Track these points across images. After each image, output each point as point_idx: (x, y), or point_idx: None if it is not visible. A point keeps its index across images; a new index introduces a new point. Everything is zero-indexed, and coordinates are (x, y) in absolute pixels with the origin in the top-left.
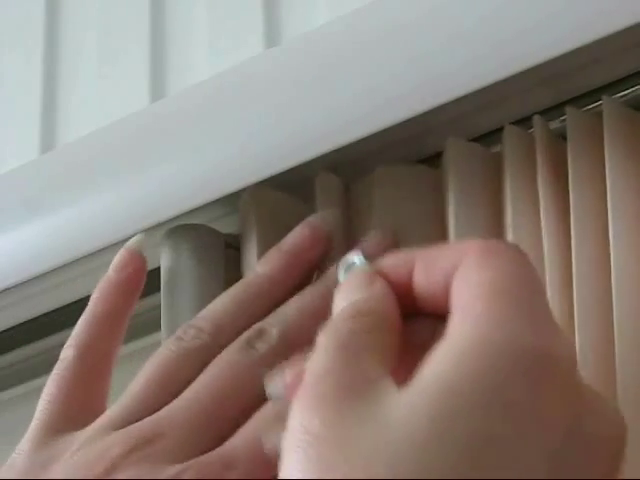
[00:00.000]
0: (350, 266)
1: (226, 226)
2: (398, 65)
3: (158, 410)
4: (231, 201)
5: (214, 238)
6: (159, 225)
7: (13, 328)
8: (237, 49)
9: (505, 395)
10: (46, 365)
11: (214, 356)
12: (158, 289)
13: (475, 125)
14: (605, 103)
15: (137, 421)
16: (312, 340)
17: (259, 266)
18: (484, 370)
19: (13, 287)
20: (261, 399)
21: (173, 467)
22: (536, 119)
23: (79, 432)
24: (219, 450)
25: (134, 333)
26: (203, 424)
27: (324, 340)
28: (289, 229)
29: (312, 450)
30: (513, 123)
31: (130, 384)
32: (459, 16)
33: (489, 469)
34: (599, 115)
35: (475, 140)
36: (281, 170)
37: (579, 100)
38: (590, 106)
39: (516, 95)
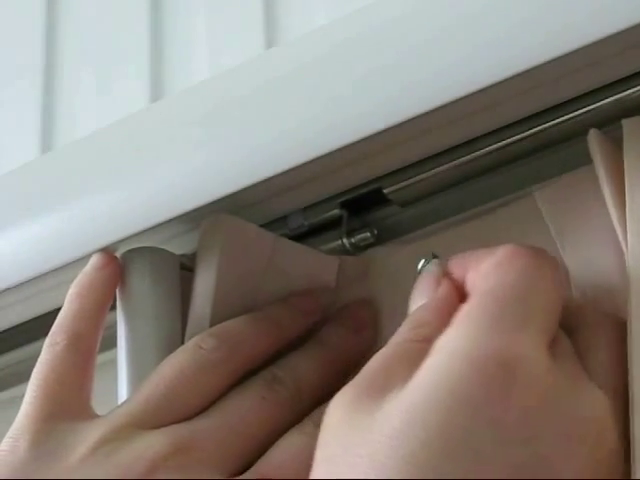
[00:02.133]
0: (423, 265)
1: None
2: (399, 64)
3: (186, 417)
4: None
5: (169, 260)
6: (110, 246)
7: (13, 328)
8: (237, 49)
9: (474, 400)
10: None
11: (234, 372)
12: (113, 307)
13: None
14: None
15: (165, 424)
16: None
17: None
18: (459, 380)
19: (13, 287)
20: (278, 436)
21: None
22: None
23: (86, 424)
24: (257, 468)
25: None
26: (234, 446)
27: (383, 349)
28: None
29: (328, 434)
30: None
31: (143, 383)
32: (461, 13)
33: (464, 458)
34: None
35: None
36: (257, 181)
37: None
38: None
39: None
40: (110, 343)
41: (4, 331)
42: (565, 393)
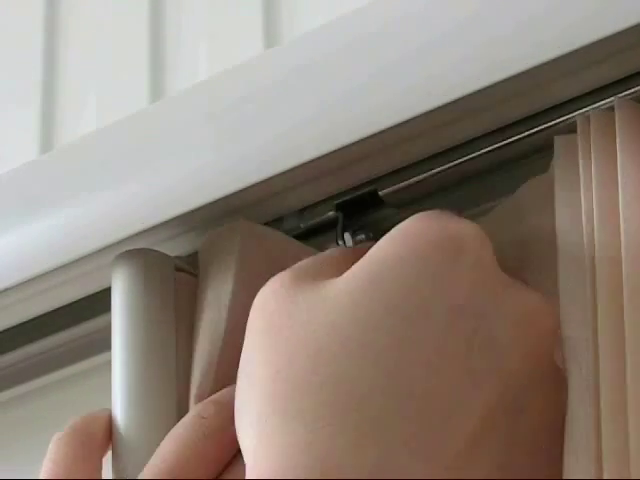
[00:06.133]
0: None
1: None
2: (400, 63)
3: None
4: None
5: (164, 262)
6: (110, 246)
7: (13, 328)
8: (237, 49)
9: (430, 269)
10: (46, 365)
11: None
12: (109, 309)
13: None
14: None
15: None
16: None
17: None
18: (400, 255)
19: (13, 287)
20: None
21: None
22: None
23: None
24: None
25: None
26: None
27: None
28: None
29: (264, 321)
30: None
31: (149, 461)
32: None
33: (400, 337)
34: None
35: None
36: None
37: None
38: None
39: None
40: (105, 345)
41: (4, 331)
42: (508, 281)
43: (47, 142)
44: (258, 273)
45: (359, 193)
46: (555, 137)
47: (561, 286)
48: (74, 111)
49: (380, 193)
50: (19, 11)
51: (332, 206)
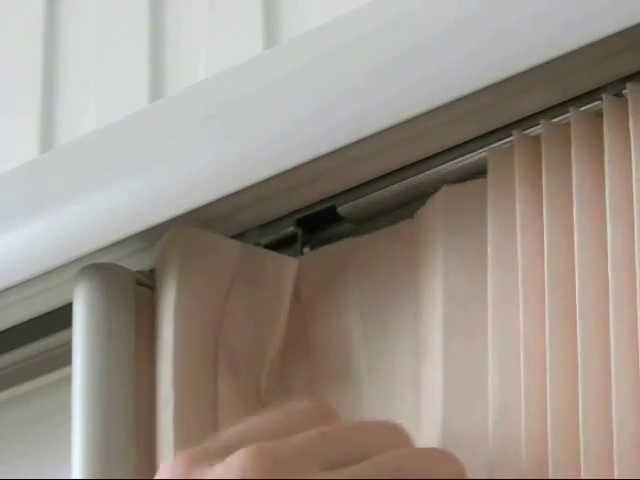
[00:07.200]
0: None
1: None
2: (400, 62)
3: None
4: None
5: (125, 276)
6: (72, 262)
7: (13, 328)
8: (237, 49)
9: None
10: (46, 365)
11: None
12: (70, 324)
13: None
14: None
15: None
16: None
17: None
18: None
19: (13, 287)
20: None
21: None
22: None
23: None
24: None
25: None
26: None
27: None
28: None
29: None
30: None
31: None
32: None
33: None
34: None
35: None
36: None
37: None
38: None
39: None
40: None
41: (4, 331)
42: None
43: (47, 142)
44: (200, 279)
45: (318, 209)
46: (489, 152)
47: (490, 287)
48: (74, 111)
49: (338, 209)
50: (19, 11)
51: (292, 221)
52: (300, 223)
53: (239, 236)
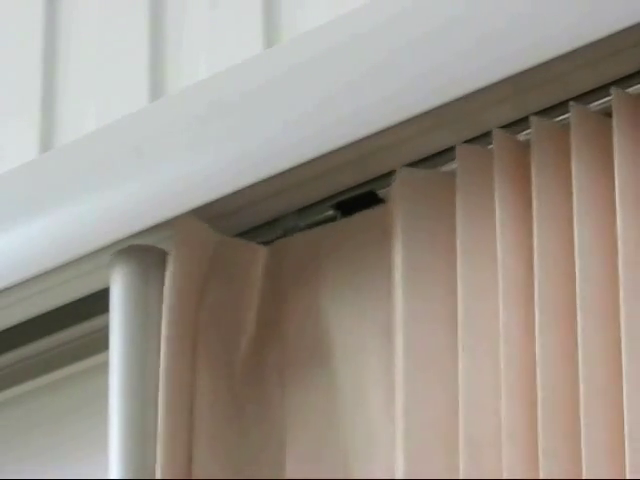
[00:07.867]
0: None
1: None
2: (400, 62)
3: None
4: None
5: (161, 258)
6: (107, 247)
7: (13, 328)
8: (237, 49)
9: None
10: (46, 365)
11: None
12: (106, 309)
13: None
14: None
15: None
16: None
17: None
18: None
19: (13, 287)
20: None
21: None
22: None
23: None
24: None
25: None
26: None
27: None
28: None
29: None
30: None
31: None
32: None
33: None
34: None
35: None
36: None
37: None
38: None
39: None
40: (103, 345)
41: (4, 331)
42: None
43: (47, 142)
44: (191, 272)
45: (357, 193)
46: (457, 147)
47: (460, 278)
48: (74, 111)
49: (379, 192)
50: (19, 11)
51: (330, 205)
52: (339, 207)
53: (278, 220)
